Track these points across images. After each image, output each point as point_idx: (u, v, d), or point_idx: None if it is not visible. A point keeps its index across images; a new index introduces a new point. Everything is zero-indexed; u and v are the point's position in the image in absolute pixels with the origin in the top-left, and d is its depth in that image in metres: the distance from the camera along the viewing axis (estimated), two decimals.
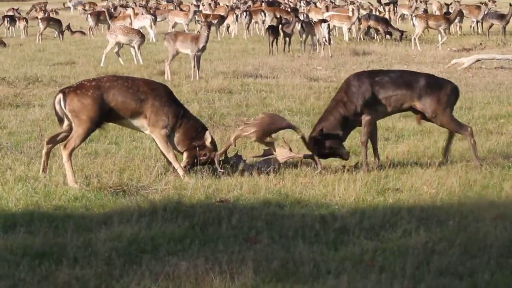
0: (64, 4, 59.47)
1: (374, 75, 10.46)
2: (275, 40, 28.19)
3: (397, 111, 10.63)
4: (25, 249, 6.94)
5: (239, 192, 9.06)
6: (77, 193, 8.99)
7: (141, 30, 27.19)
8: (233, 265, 6.51)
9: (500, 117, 14.35)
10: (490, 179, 9.67)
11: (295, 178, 9.66)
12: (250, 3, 42.95)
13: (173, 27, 35.18)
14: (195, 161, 10.04)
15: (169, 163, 10.00)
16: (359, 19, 33.26)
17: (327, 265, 6.57)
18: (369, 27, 33.87)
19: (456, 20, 33.85)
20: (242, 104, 16.00)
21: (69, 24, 38.87)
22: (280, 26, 28.69)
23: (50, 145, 10.03)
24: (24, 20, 39.19)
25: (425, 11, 38.24)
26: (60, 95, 9.74)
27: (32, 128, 13.28)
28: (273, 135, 10.33)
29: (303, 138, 10.17)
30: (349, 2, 42.76)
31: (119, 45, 24.46)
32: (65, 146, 9.62)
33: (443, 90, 10.37)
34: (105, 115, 9.75)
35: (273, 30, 28.32)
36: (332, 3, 43.47)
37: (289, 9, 37.44)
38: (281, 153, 10.16)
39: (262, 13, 36.57)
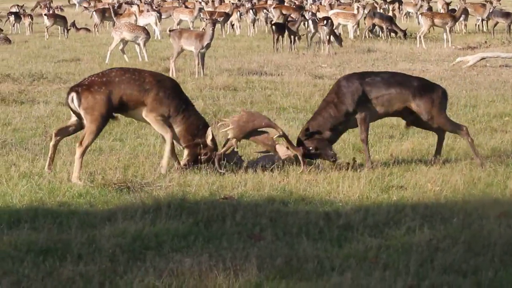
0: (69, 1, 59.52)
1: (365, 76, 10.49)
2: (280, 37, 28.18)
3: (392, 113, 10.52)
4: (29, 245, 6.94)
5: (243, 189, 9.06)
6: (82, 190, 8.99)
7: (146, 27, 27.19)
8: (237, 261, 6.51)
9: (505, 115, 14.33)
10: (494, 177, 9.66)
11: (299, 175, 9.66)
12: (255, 0, 42.90)
13: (178, 24, 35.20)
14: (196, 159, 10.04)
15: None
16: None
17: (331, 262, 6.57)
18: (374, 25, 33.85)
19: (461, 18, 33.81)
20: (246, 101, 16.00)
21: (74, 21, 38.91)
22: (286, 23, 28.69)
23: (58, 137, 10.01)
24: (29, 17, 39.24)
25: (430, 9, 38.20)
26: (73, 94, 9.71)
27: (37, 125, 13.28)
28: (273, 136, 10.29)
29: (284, 136, 10.10)
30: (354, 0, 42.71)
31: (124, 42, 24.48)
32: (80, 143, 9.61)
33: (435, 93, 10.39)
34: (115, 108, 9.78)
35: (278, 28, 28.31)
36: (338, 0, 43.38)
37: (294, 7, 37.42)
38: (280, 151, 10.13)
39: (265, 10, 36.53)
